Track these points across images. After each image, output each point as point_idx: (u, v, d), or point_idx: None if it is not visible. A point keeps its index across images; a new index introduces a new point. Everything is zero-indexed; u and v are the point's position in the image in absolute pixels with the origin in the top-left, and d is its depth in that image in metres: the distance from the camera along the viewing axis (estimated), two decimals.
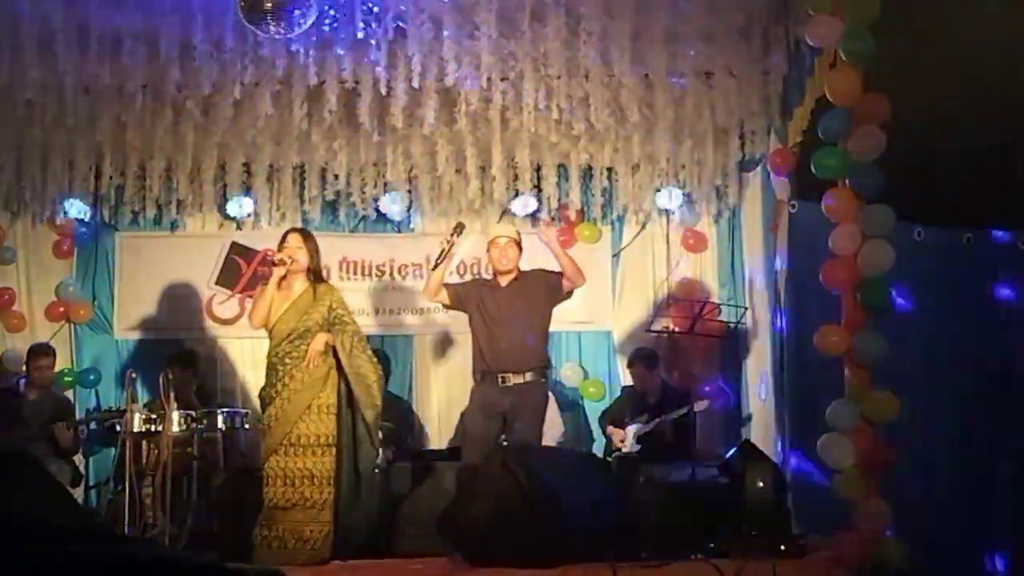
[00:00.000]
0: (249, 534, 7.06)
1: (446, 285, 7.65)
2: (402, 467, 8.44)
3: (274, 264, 7.12)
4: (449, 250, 7.44)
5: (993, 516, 6.87)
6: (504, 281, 7.56)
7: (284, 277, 7.09)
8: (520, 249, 7.60)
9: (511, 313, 7.45)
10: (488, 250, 7.72)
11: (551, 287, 7.54)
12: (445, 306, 7.82)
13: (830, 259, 6.34)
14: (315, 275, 7.16)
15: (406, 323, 10.11)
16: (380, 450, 7.28)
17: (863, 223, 6.23)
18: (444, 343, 10.00)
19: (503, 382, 7.35)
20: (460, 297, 7.64)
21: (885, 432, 6.17)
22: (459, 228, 7.53)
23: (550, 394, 9.42)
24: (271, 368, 7.04)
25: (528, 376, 7.37)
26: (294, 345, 6.95)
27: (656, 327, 9.52)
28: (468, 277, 9.48)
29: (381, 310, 10.13)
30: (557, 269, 7.56)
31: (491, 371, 7.41)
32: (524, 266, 7.72)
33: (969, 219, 7.12)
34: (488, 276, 7.81)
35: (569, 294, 7.64)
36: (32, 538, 1.29)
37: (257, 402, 9.49)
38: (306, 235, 7.26)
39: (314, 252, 7.14)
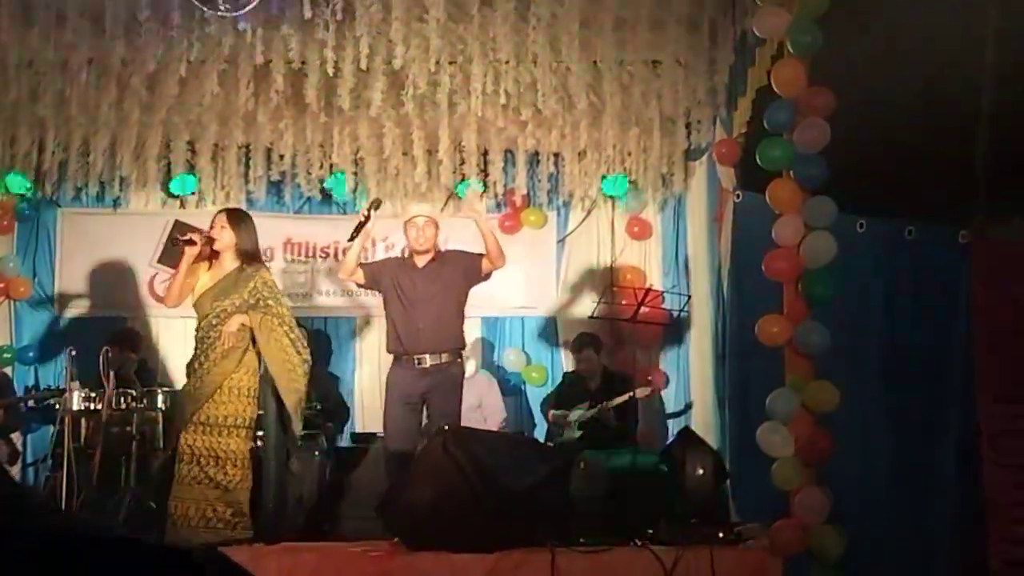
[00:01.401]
0: None
1: (361, 265, 7.58)
2: (342, 449, 8.46)
3: (185, 244, 7.03)
4: (364, 224, 7.32)
5: (931, 505, 6.95)
6: (421, 261, 7.49)
7: (214, 256, 7.03)
8: (437, 228, 7.55)
9: (428, 294, 7.38)
10: (405, 230, 7.62)
11: (470, 269, 7.48)
12: (359, 286, 7.74)
13: (773, 249, 6.38)
14: (245, 255, 7.05)
15: (349, 304, 10.08)
16: (299, 434, 7.21)
17: (806, 214, 6.27)
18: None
19: (419, 363, 7.30)
20: (375, 277, 7.57)
21: (823, 422, 6.23)
22: (376, 203, 7.46)
23: (494, 380, 9.49)
24: (196, 344, 6.99)
25: (444, 357, 7.32)
26: (212, 325, 6.89)
27: (599, 313, 9.56)
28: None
29: (325, 291, 10.11)
30: (477, 251, 7.50)
31: (407, 352, 7.35)
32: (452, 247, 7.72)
33: (912, 212, 7.18)
34: (404, 255, 7.72)
35: (487, 276, 7.56)
36: None
37: None
38: (233, 215, 7.15)
39: (242, 232, 7.04)
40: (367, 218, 7.33)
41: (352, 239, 7.40)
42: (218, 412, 6.81)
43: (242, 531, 6.75)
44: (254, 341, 6.92)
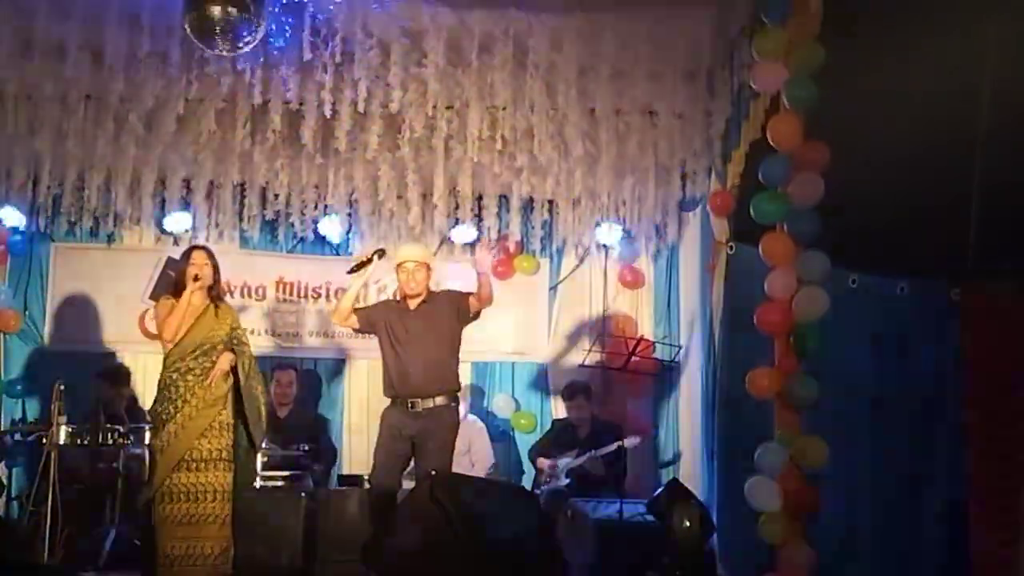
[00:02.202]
0: None
1: (356, 309, 7.55)
2: (329, 491, 8.41)
3: (194, 280, 6.99)
4: (366, 265, 7.34)
5: (917, 563, 6.94)
6: (413, 304, 7.45)
7: (177, 294, 7.03)
8: (429, 271, 7.51)
9: (420, 337, 7.33)
10: (396, 273, 7.57)
11: (459, 308, 7.42)
12: (355, 330, 7.69)
13: (765, 302, 6.38)
14: (219, 295, 7.15)
15: (339, 346, 10.07)
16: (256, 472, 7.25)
17: (799, 268, 6.28)
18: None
19: (412, 407, 7.25)
20: (370, 320, 7.53)
21: (812, 477, 6.21)
22: (380, 252, 7.46)
23: (483, 425, 9.46)
24: (168, 384, 6.91)
25: (438, 400, 7.26)
26: (198, 362, 6.89)
27: (590, 361, 9.55)
28: None
29: (316, 332, 10.10)
30: (465, 290, 7.48)
31: (400, 396, 7.31)
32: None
33: (904, 268, 7.20)
34: (397, 298, 7.69)
35: (476, 315, 7.50)
36: None
37: None
38: (210, 252, 7.19)
39: (216, 270, 7.12)
40: (368, 260, 7.35)
41: (351, 272, 7.40)
42: (211, 447, 6.82)
43: (227, 565, 6.72)
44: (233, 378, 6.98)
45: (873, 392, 7.26)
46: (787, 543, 6.07)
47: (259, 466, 7.32)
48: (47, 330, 9.94)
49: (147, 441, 8.12)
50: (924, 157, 6.71)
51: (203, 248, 7.26)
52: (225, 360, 6.90)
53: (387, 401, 7.42)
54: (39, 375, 9.79)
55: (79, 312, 9.89)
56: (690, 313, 9.31)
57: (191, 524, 6.73)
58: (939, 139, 6.69)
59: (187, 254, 7.15)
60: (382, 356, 7.48)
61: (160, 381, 6.99)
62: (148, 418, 8.88)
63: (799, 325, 6.24)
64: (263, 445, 7.20)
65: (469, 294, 7.37)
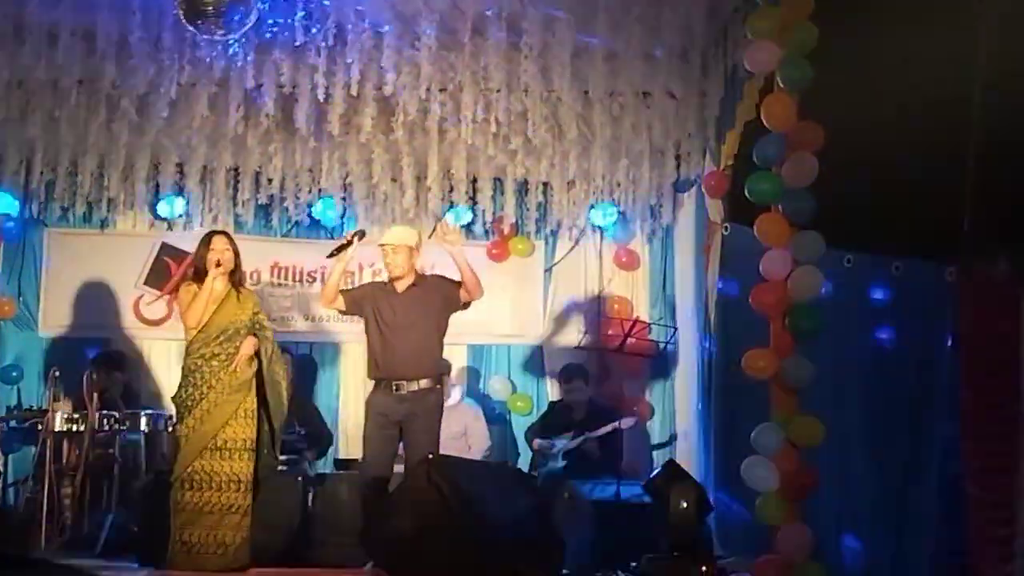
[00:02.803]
0: (168, 536, 6.93)
1: (342, 291, 7.51)
2: (325, 475, 8.42)
3: (216, 265, 6.95)
4: (346, 247, 7.30)
5: (914, 542, 6.95)
6: (401, 287, 7.41)
7: (199, 279, 7.00)
8: (412, 253, 7.43)
9: (407, 319, 7.31)
10: (383, 255, 7.57)
11: (448, 296, 7.41)
12: (341, 312, 7.67)
13: (760, 283, 6.38)
14: (239, 279, 7.11)
15: (335, 330, 10.06)
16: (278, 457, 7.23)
17: (794, 248, 6.28)
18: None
19: (397, 389, 7.24)
20: (356, 302, 7.50)
21: (808, 457, 6.22)
22: (360, 234, 7.44)
23: (479, 408, 9.47)
24: (193, 370, 6.88)
25: (423, 383, 7.25)
26: (222, 347, 6.87)
27: (586, 343, 9.55)
28: None
29: (310, 316, 10.09)
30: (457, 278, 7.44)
31: (385, 378, 7.30)
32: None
33: (899, 248, 7.21)
34: (386, 280, 7.67)
35: (466, 305, 7.49)
36: None
37: None
38: (230, 237, 7.18)
39: (237, 255, 7.08)
40: (349, 243, 7.32)
41: (331, 256, 7.37)
42: (236, 435, 6.81)
43: (245, 556, 6.71)
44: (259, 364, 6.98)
45: (868, 372, 7.27)
46: (784, 523, 6.08)
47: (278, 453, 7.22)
48: (41, 316, 9.91)
49: (142, 427, 8.16)
50: (919, 136, 6.71)
51: (223, 233, 7.24)
52: (249, 345, 6.90)
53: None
54: (34, 361, 9.79)
55: (73, 298, 9.87)
56: (685, 294, 9.32)
57: (212, 513, 6.70)
58: (934, 118, 6.69)
59: (207, 240, 7.08)
60: (367, 337, 7.47)
61: (184, 367, 6.97)
62: (143, 403, 8.99)
63: (794, 305, 6.24)
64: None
65: (459, 283, 7.35)
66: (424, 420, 7.22)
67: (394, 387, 7.24)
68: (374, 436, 7.26)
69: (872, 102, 6.69)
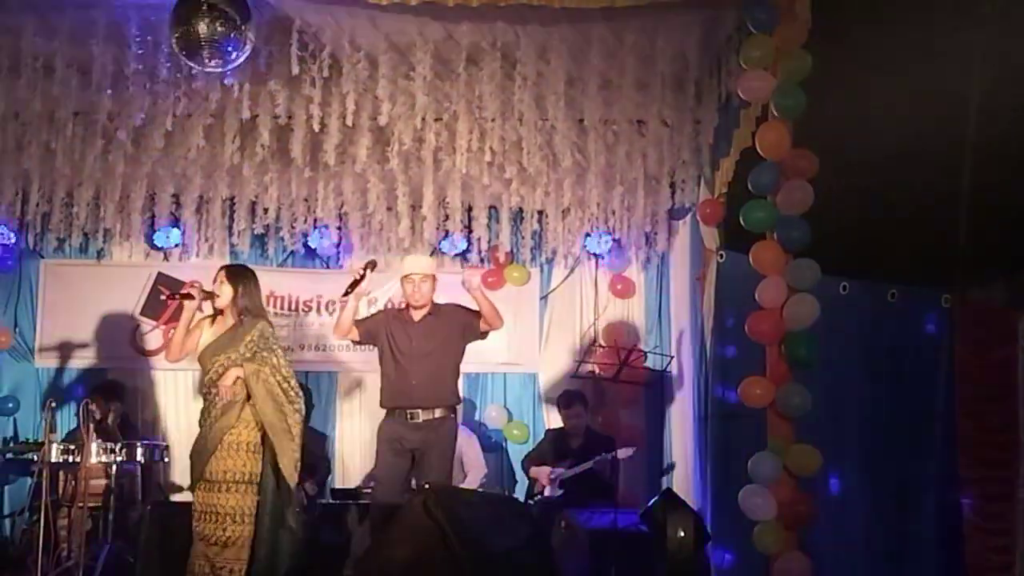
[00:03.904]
0: (166, 567, 7.12)
1: (356, 322, 7.48)
2: (324, 505, 8.41)
3: (183, 298, 6.99)
4: (359, 282, 7.26)
5: (912, 570, 6.94)
6: (417, 316, 7.43)
7: (219, 312, 7.02)
8: (434, 283, 7.48)
9: (423, 348, 7.32)
10: (401, 285, 7.55)
11: (466, 325, 7.42)
12: (356, 342, 7.65)
13: (756, 311, 6.38)
14: (244, 310, 7.02)
15: (331, 359, 10.06)
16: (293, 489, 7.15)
17: (790, 276, 6.29)
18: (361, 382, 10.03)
19: (412, 418, 7.23)
20: (371, 331, 7.48)
21: (805, 485, 6.21)
22: (371, 265, 7.39)
23: (474, 435, 9.45)
24: (203, 397, 6.99)
25: (438, 412, 7.25)
26: (212, 380, 6.84)
27: (582, 371, 9.54)
28: None
29: (306, 346, 10.09)
30: (473, 306, 7.42)
31: (399, 407, 7.28)
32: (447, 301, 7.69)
33: (895, 275, 7.22)
34: (400, 307, 7.65)
35: (484, 334, 7.52)
36: None
37: (176, 434, 9.48)
38: (232, 271, 7.11)
39: (240, 287, 7.00)
40: (362, 276, 7.28)
41: (346, 295, 7.32)
42: (217, 467, 6.74)
43: None
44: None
45: (865, 399, 7.27)
46: (782, 552, 6.07)
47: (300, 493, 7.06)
48: (37, 347, 9.92)
49: (138, 458, 8.14)
50: (914, 164, 6.74)
51: (225, 267, 7.21)
52: (229, 376, 6.77)
53: (381, 413, 7.39)
54: (30, 392, 9.79)
55: (69, 328, 9.88)
56: (681, 322, 9.32)
57: (213, 544, 6.67)
58: (928, 145, 6.72)
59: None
60: (381, 366, 7.46)
61: None
62: (140, 433, 8.98)
63: (790, 333, 6.25)
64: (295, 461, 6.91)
65: (478, 312, 7.34)
66: (438, 449, 7.22)
67: (408, 416, 7.23)
68: (387, 462, 7.26)
69: (867, 129, 6.72)
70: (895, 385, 7.21)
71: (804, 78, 6.32)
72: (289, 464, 6.80)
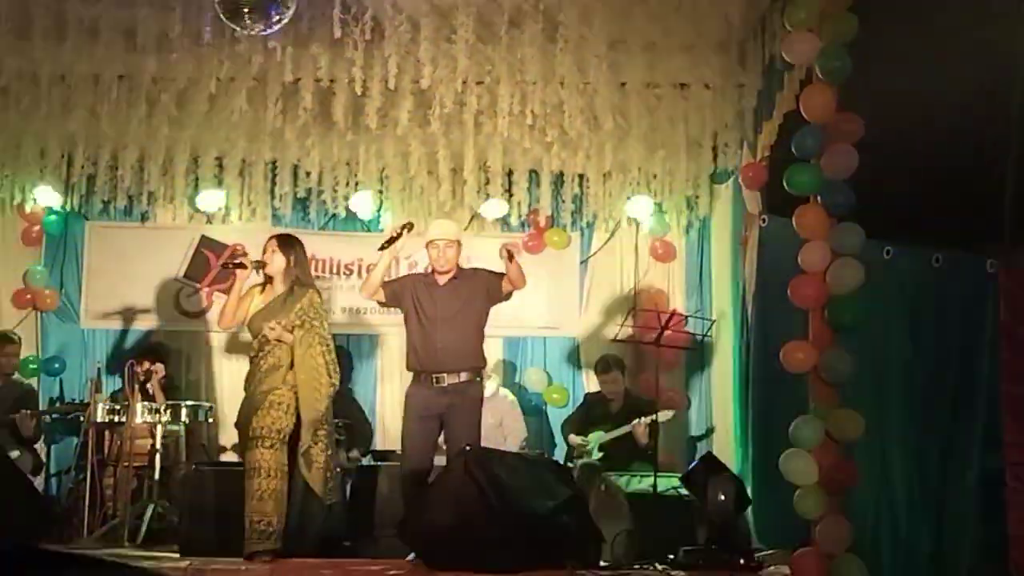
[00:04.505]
0: (209, 526, 7.25)
1: (383, 283, 7.49)
2: (364, 467, 8.47)
3: (236, 267, 7.24)
4: (395, 240, 7.31)
5: (953, 536, 6.92)
6: (442, 280, 7.45)
7: (269, 280, 7.24)
8: (459, 248, 7.49)
9: (448, 312, 7.34)
10: (427, 249, 7.56)
11: (491, 288, 7.43)
12: (381, 304, 7.67)
13: (799, 275, 6.35)
14: (295, 279, 7.19)
15: (373, 322, 10.10)
16: (318, 452, 7.21)
17: (833, 241, 6.24)
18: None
19: (438, 382, 7.25)
20: (396, 294, 7.51)
21: (847, 450, 6.19)
22: (409, 226, 7.41)
23: (514, 398, 9.48)
24: (250, 361, 7.19)
25: (463, 376, 7.26)
26: (262, 346, 7.07)
27: (622, 336, 9.54)
28: None
29: (348, 309, 10.13)
30: (499, 269, 7.41)
31: (426, 370, 7.30)
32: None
33: (939, 240, 7.16)
34: (426, 271, 7.67)
35: (508, 295, 7.51)
36: None
37: (220, 395, 9.58)
38: (283, 240, 7.33)
39: (292, 257, 7.20)
40: (399, 235, 7.32)
41: (382, 248, 7.37)
42: (258, 424, 6.91)
43: (273, 543, 6.76)
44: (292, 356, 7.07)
45: (909, 364, 7.23)
46: (823, 517, 6.05)
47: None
48: (83, 308, 10.01)
49: (183, 418, 8.24)
50: (960, 126, 6.66)
51: (276, 236, 7.45)
52: (275, 330, 6.99)
53: None
54: (76, 353, 9.90)
55: (114, 290, 9.96)
56: (722, 286, 9.29)
57: (248, 498, 6.82)
58: (976, 108, 6.64)
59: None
60: (407, 329, 7.49)
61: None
62: (183, 394, 9.08)
63: (833, 298, 6.21)
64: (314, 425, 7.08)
65: (502, 275, 7.35)
66: (465, 413, 7.24)
67: (434, 380, 7.25)
68: (414, 429, 7.28)
69: (913, 92, 6.64)
70: (939, 350, 7.16)
71: (850, 40, 6.25)
72: (308, 426, 7.01)
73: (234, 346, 9.81)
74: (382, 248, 7.39)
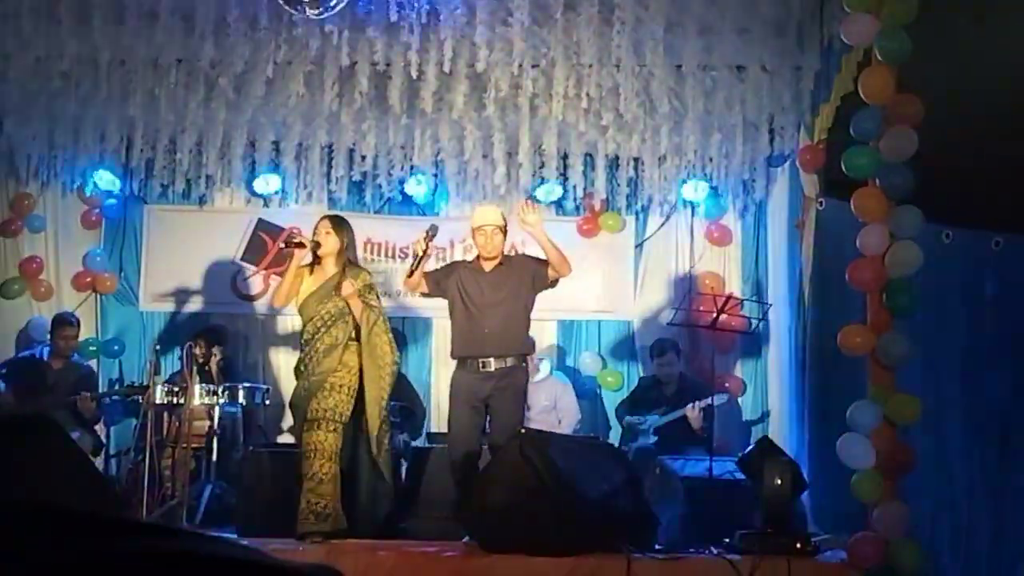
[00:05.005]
0: (266, 507, 7.30)
1: (425, 274, 7.41)
2: (419, 449, 8.50)
3: (295, 247, 7.21)
4: (424, 254, 7.26)
5: (1011, 521, 6.86)
6: (488, 266, 7.39)
7: (317, 261, 7.21)
8: (505, 234, 7.45)
9: (494, 299, 7.30)
10: (473, 236, 7.51)
11: (537, 275, 7.37)
12: (424, 295, 7.66)
13: (857, 258, 6.30)
14: (347, 261, 7.22)
15: (426, 305, 10.11)
16: (385, 433, 7.25)
17: (892, 224, 6.19)
18: None
19: (483, 367, 7.20)
20: (440, 284, 7.46)
21: (904, 434, 6.15)
22: (433, 231, 7.36)
23: (568, 381, 9.48)
24: (302, 345, 7.19)
25: (509, 361, 7.22)
26: (317, 328, 7.06)
27: (677, 319, 9.51)
28: None
29: (403, 292, 10.16)
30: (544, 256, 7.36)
31: (472, 356, 7.27)
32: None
33: (999, 223, 7.09)
34: (469, 259, 7.66)
35: (554, 283, 7.46)
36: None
37: (276, 377, 9.65)
38: (336, 221, 7.32)
39: (345, 238, 7.21)
40: (425, 251, 7.26)
41: (411, 274, 7.30)
42: (318, 407, 6.94)
43: (332, 524, 6.81)
44: (355, 338, 7.08)
45: (967, 348, 7.17)
46: (880, 501, 6.02)
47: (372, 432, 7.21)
48: (142, 291, 10.13)
49: (240, 400, 8.31)
50: (1020, 108, 6.59)
51: (329, 217, 7.48)
52: (347, 287, 7.04)
53: None
54: (135, 336, 10.02)
55: (172, 273, 10.07)
56: (778, 270, 9.24)
57: (307, 480, 6.85)
58: None
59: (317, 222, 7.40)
60: (452, 318, 7.45)
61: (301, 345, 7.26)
62: (241, 376, 9.16)
63: (892, 281, 6.16)
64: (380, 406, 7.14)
65: (547, 262, 7.34)
66: (510, 398, 7.22)
67: (480, 365, 7.24)
68: (461, 414, 7.27)
69: (973, 74, 6.57)
70: (998, 333, 7.09)
71: (909, 22, 6.19)
72: (375, 407, 7.05)
73: (291, 329, 9.88)
74: (411, 273, 7.30)
